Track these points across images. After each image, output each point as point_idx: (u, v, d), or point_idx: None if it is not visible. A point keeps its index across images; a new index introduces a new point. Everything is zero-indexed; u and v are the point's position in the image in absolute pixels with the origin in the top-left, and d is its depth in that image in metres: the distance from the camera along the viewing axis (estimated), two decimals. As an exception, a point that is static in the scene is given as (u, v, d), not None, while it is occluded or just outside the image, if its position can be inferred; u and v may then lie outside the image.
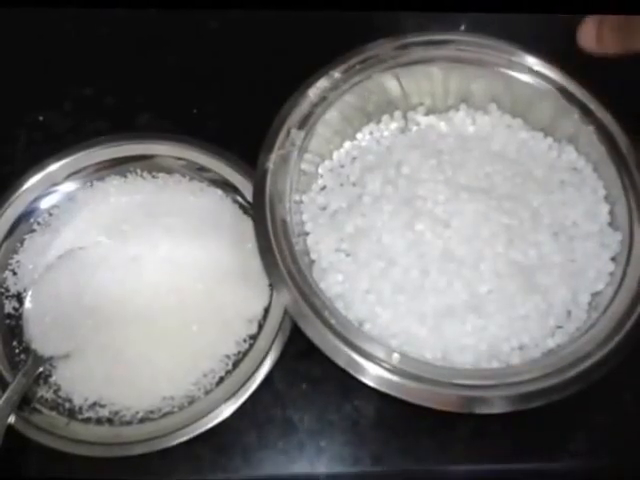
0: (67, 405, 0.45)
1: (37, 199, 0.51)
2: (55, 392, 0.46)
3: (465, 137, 0.52)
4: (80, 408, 0.45)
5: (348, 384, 0.45)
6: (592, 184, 0.50)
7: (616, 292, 0.45)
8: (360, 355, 0.42)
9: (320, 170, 0.52)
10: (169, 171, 0.53)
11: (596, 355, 0.42)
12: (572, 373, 0.42)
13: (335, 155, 0.53)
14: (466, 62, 0.51)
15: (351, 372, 0.42)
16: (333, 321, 0.43)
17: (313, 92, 0.51)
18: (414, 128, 0.53)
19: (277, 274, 0.45)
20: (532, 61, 0.51)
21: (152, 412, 0.45)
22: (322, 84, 0.51)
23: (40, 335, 0.46)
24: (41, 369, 0.46)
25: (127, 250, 0.49)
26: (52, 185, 0.52)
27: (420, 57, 0.52)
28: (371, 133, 0.54)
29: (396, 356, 0.42)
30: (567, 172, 0.51)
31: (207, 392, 0.46)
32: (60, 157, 0.52)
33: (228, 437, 0.45)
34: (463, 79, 0.52)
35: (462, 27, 0.60)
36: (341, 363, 0.43)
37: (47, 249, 0.50)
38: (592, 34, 0.45)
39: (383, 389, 0.42)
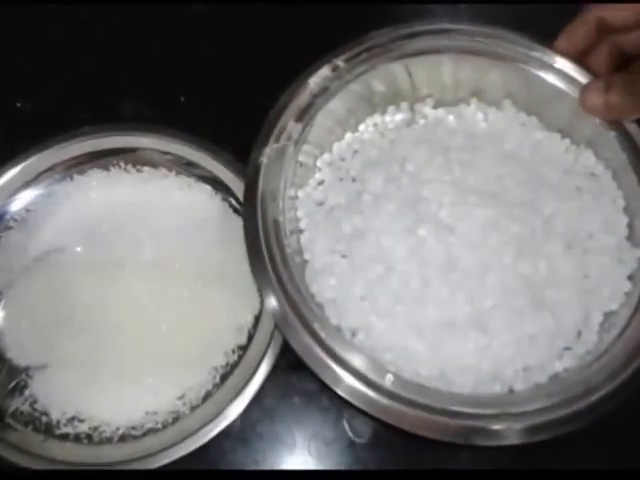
0: (44, 419, 0.44)
1: (13, 194, 0.49)
2: (31, 405, 0.44)
3: (476, 134, 0.49)
4: (57, 422, 0.44)
5: (344, 400, 0.42)
6: (611, 193, 0.46)
7: (632, 315, 0.42)
8: (351, 375, 0.40)
9: (319, 163, 0.49)
10: (155, 165, 0.50)
11: (608, 386, 0.40)
12: (582, 405, 0.39)
13: (335, 147, 0.50)
14: (479, 54, 0.47)
15: (340, 393, 0.40)
16: (323, 334, 0.41)
17: (314, 81, 0.47)
18: (421, 121, 0.50)
19: (265, 279, 0.42)
20: (553, 58, 0.47)
21: (134, 428, 0.43)
22: (324, 73, 0.47)
23: (15, 344, 0.45)
24: (16, 380, 0.44)
25: (108, 253, 0.46)
26: (30, 180, 0.49)
27: (430, 46, 0.48)
28: (375, 125, 0.50)
29: (389, 377, 0.40)
30: (584, 178, 0.47)
31: (193, 407, 0.44)
32: (38, 149, 0.49)
33: (214, 455, 0.44)
34: (475, 71, 0.48)
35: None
36: (328, 381, 0.40)
37: (24, 248, 0.47)
38: (599, 102, 0.44)
39: (375, 413, 0.39)
